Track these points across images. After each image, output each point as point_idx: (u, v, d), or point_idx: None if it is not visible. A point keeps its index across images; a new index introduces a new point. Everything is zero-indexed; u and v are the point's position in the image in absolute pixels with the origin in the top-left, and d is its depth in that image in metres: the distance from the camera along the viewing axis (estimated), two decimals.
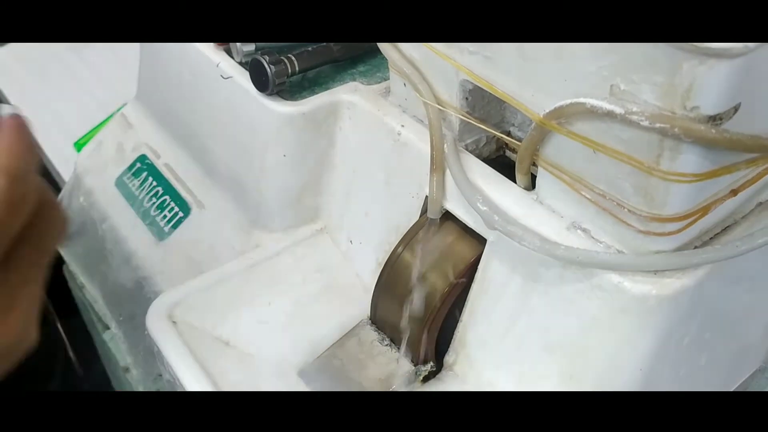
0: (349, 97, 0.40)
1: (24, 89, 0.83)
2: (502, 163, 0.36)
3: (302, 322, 0.39)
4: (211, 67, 0.44)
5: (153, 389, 0.48)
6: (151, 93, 0.52)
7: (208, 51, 0.45)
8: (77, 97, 0.80)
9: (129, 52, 0.83)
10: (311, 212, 0.43)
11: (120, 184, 0.51)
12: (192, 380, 0.34)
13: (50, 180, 0.72)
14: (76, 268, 0.53)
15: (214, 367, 0.36)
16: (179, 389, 0.35)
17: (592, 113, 0.26)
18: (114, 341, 0.51)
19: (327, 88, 0.41)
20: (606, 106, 0.26)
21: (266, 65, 0.39)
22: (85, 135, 0.73)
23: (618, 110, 0.25)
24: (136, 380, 0.48)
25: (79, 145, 0.72)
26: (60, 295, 0.56)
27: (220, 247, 0.44)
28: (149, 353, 0.47)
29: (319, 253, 0.42)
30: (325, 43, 0.42)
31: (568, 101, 0.27)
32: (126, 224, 0.49)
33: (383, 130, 0.37)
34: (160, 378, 0.48)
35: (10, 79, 0.85)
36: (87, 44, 0.89)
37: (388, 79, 0.40)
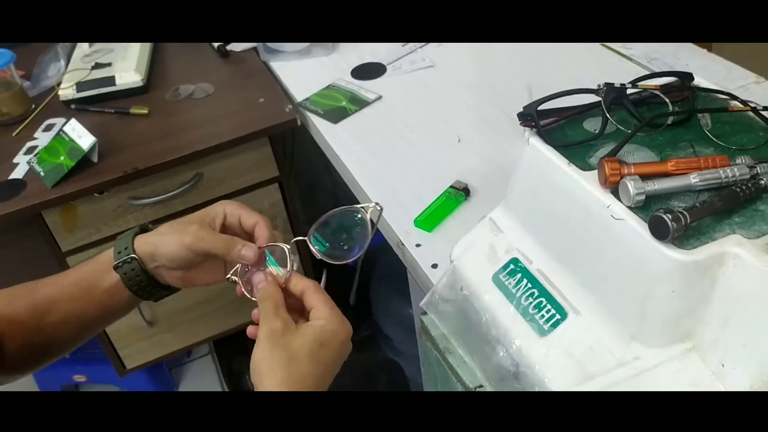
0: (735, 249, 0.49)
1: (360, 160, 1.01)
2: None
3: None
4: (599, 206, 0.55)
5: None
6: (524, 206, 0.65)
7: (596, 191, 0.56)
8: (404, 173, 0.97)
9: (447, 138, 0.99)
10: (684, 333, 0.52)
11: (497, 281, 0.64)
12: None
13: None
14: (453, 340, 0.67)
15: None
16: None
17: None
18: None
19: (711, 237, 0.50)
20: None
21: (669, 222, 0.49)
22: (422, 213, 0.88)
23: None
24: None
25: (417, 222, 0.87)
26: None
27: (600, 351, 0.55)
28: None
29: (690, 370, 0.52)
30: (709, 198, 0.52)
31: None
32: (507, 317, 0.61)
33: None
34: None
35: (348, 152, 1.04)
36: (410, 126, 1.06)
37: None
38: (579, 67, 1.13)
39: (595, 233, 0.56)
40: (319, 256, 0.67)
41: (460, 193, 0.90)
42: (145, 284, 0.69)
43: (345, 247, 0.66)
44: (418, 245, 0.85)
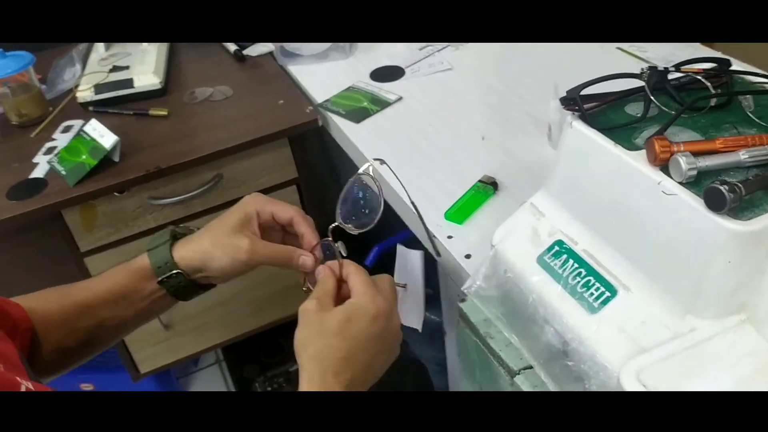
0: None
1: (385, 158, 1.02)
2: None
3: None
4: (649, 183, 0.56)
5: None
6: (566, 189, 0.66)
7: (646, 169, 0.57)
8: (430, 170, 0.98)
9: (470, 137, 1.00)
10: (738, 305, 0.53)
11: (542, 262, 0.65)
12: None
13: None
14: (498, 323, 0.68)
15: None
16: None
17: None
18: (527, 386, 0.65)
19: (765, 210, 0.51)
20: None
21: (726, 193, 0.50)
22: (452, 206, 0.89)
23: None
24: None
25: (448, 215, 0.88)
26: None
27: (653, 324, 0.55)
28: None
29: (746, 341, 0.52)
30: (761, 173, 0.53)
31: None
32: (555, 297, 0.62)
33: None
34: None
35: (373, 150, 1.05)
36: (432, 125, 1.07)
37: None
38: (596, 71, 1.15)
39: (645, 211, 0.57)
40: (355, 232, 0.68)
41: (489, 186, 0.91)
42: (188, 289, 0.70)
43: (367, 211, 0.67)
44: (450, 237, 0.85)
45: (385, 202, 0.67)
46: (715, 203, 0.51)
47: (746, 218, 0.51)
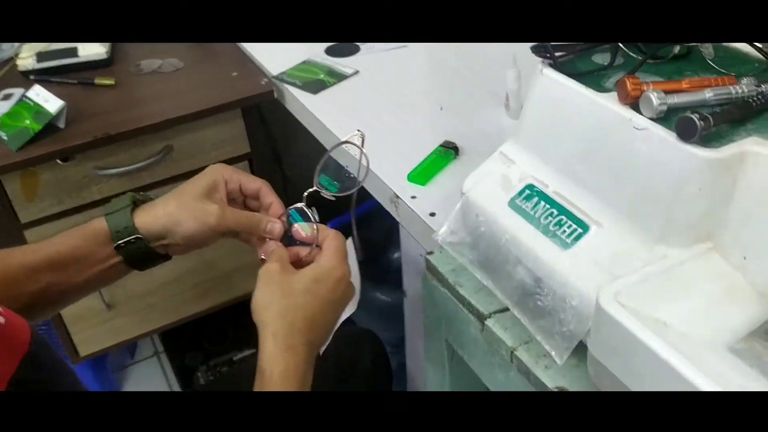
0: (756, 148, 0.53)
1: (344, 127, 1.02)
2: None
3: (718, 313, 0.51)
4: (620, 120, 0.58)
5: (541, 366, 0.61)
6: (537, 136, 0.67)
7: (617, 108, 0.59)
8: (391, 139, 0.98)
9: (429, 107, 1.01)
10: (705, 234, 0.56)
11: (513, 206, 0.66)
12: (662, 350, 0.47)
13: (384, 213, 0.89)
14: (471, 268, 0.68)
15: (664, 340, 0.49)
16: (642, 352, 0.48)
17: None
18: (497, 328, 0.65)
19: (731, 140, 0.54)
20: None
21: (697, 121, 0.52)
22: (415, 168, 0.90)
23: None
24: (525, 360, 0.62)
25: (411, 176, 0.89)
26: None
27: (626, 255, 0.57)
28: (548, 334, 0.60)
29: (713, 266, 0.55)
30: (727, 106, 0.56)
31: None
32: (528, 237, 0.63)
33: None
34: (545, 358, 0.61)
35: (332, 119, 1.04)
36: (390, 98, 1.08)
37: None
38: None
39: (616, 148, 0.59)
40: (332, 197, 0.68)
41: (450, 150, 0.92)
42: (146, 257, 0.67)
43: (349, 176, 0.68)
44: (413, 197, 0.86)
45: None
46: (686, 132, 0.53)
47: (714, 147, 0.54)
